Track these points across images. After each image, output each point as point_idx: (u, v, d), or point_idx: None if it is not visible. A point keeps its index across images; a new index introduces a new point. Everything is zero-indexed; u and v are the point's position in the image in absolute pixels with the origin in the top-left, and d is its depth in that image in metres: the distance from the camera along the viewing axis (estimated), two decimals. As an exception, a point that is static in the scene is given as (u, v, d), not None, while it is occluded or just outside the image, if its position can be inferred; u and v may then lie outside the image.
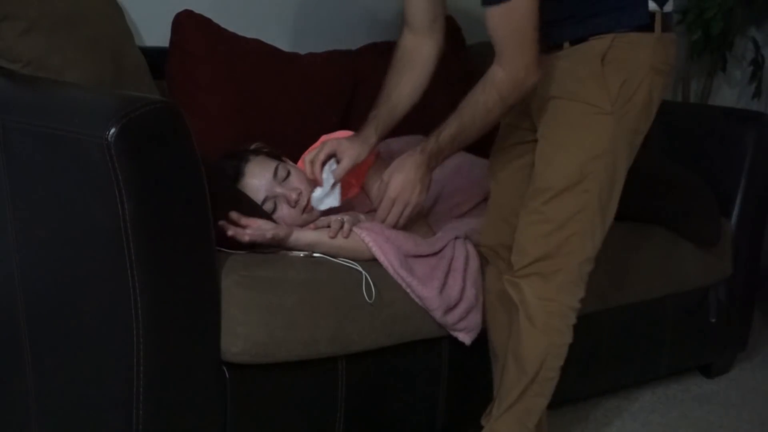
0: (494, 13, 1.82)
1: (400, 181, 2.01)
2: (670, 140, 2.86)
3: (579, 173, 1.89)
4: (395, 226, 2.05)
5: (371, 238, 2.01)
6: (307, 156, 2.13)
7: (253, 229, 1.93)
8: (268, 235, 1.93)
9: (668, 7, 1.95)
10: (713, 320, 2.73)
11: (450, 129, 1.96)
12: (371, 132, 2.12)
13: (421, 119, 2.31)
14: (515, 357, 1.96)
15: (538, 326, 1.93)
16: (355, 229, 2.02)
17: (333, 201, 2.12)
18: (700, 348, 2.76)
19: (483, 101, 1.91)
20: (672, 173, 2.64)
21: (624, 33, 1.90)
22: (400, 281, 1.99)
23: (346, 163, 2.09)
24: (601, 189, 1.92)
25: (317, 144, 2.35)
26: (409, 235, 2.08)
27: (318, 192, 2.11)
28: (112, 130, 1.57)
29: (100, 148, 1.58)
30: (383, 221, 2.05)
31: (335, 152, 2.10)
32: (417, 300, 2.01)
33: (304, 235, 2.00)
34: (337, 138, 2.13)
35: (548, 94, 1.94)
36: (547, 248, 1.91)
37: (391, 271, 1.99)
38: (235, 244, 1.90)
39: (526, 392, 1.96)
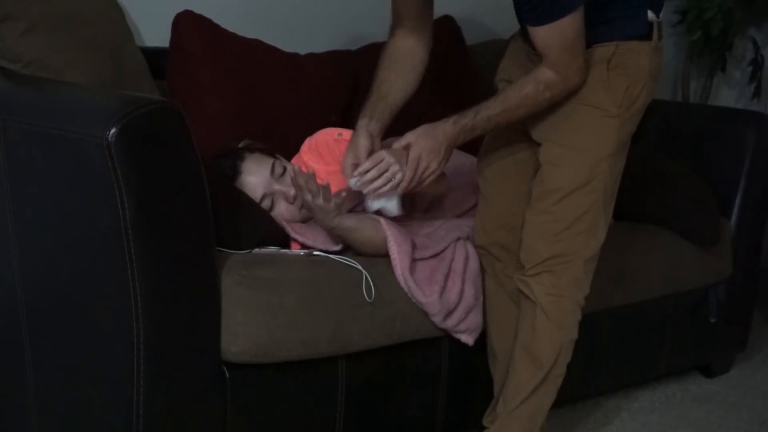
0: (548, 30, 1.84)
1: (427, 146, 1.94)
2: (670, 140, 2.86)
3: (588, 174, 1.94)
4: (415, 188, 1.98)
5: (392, 233, 2.00)
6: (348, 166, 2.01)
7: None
8: (332, 203, 1.94)
9: (661, 16, 1.99)
10: (713, 320, 2.73)
11: (490, 110, 1.95)
12: (367, 122, 2.03)
13: (421, 119, 2.31)
14: (529, 353, 1.99)
15: (554, 321, 1.97)
16: (381, 220, 2.01)
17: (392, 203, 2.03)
18: (700, 348, 2.76)
19: (533, 95, 1.91)
20: (672, 173, 2.64)
21: (626, 41, 1.94)
22: (403, 284, 1.99)
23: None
24: (606, 189, 1.97)
25: (304, 148, 2.33)
26: (420, 234, 2.08)
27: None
28: (112, 130, 1.57)
29: (100, 148, 1.58)
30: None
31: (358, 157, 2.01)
32: (417, 303, 2.01)
33: (348, 219, 2.00)
34: (351, 142, 2.04)
35: None
36: (558, 247, 1.96)
37: (398, 271, 1.99)
38: (235, 245, 1.90)
39: (539, 388, 2.00)
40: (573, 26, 1.84)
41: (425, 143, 1.94)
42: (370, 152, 2.00)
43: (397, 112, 2.10)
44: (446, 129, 1.95)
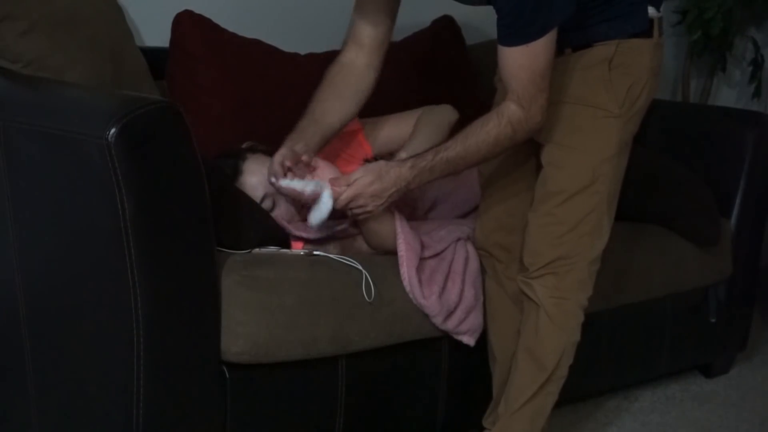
0: (519, 53, 1.79)
1: (371, 187, 1.92)
2: (670, 140, 2.86)
3: (591, 176, 1.93)
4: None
5: (402, 230, 2.00)
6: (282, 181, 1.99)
7: None
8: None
9: (661, 11, 1.98)
10: (713, 320, 2.73)
11: (449, 152, 1.90)
12: (293, 143, 2.01)
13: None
14: (531, 355, 1.99)
15: (557, 323, 1.97)
16: (396, 215, 2.01)
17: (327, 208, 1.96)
18: (700, 348, 2.77)
19: (495, 134, 1.87)
20: (671, 173, 2.64)
21: (627, 39, 1.92)
22: (406, 283, 1.99)
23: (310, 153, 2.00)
24: (609, 190, 1.97)
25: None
26: (421, 234, 2.08)
27: (317, 212, 1.95)
28: (112, 130, 1.57)
29: (100, 148, 1.58)
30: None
31: (284, 161, 1.97)
32: (417, 304, 2.01)
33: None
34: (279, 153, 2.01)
35: (554, 99, 1.94)
36: (561, 250, 1.95)
37: (403, 269, 1.98)
38: (235, 245, 1.90)
39: (541, 390, 2.00)
40: (545, 52, 1.79)
41: (371, 184, 1.91)
42: (286, 168, 1.96)
43: (330, 135, 2.06)
44: (401, 172, 1.91)
